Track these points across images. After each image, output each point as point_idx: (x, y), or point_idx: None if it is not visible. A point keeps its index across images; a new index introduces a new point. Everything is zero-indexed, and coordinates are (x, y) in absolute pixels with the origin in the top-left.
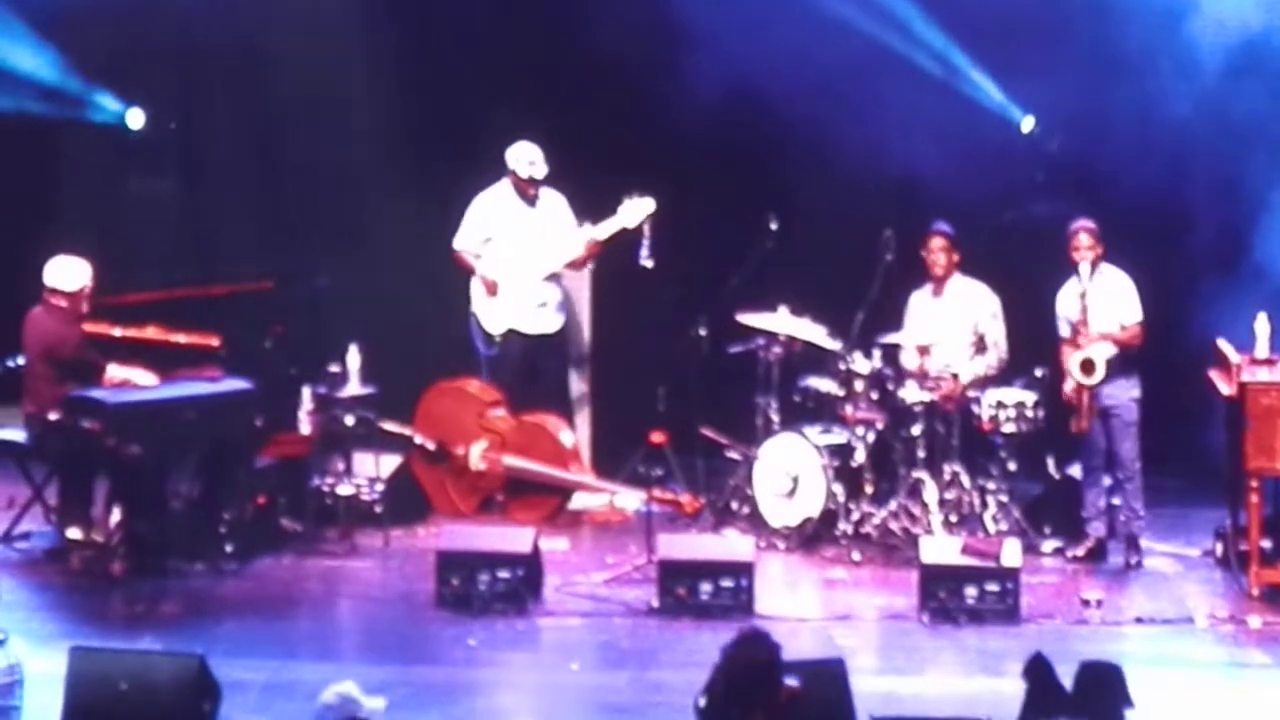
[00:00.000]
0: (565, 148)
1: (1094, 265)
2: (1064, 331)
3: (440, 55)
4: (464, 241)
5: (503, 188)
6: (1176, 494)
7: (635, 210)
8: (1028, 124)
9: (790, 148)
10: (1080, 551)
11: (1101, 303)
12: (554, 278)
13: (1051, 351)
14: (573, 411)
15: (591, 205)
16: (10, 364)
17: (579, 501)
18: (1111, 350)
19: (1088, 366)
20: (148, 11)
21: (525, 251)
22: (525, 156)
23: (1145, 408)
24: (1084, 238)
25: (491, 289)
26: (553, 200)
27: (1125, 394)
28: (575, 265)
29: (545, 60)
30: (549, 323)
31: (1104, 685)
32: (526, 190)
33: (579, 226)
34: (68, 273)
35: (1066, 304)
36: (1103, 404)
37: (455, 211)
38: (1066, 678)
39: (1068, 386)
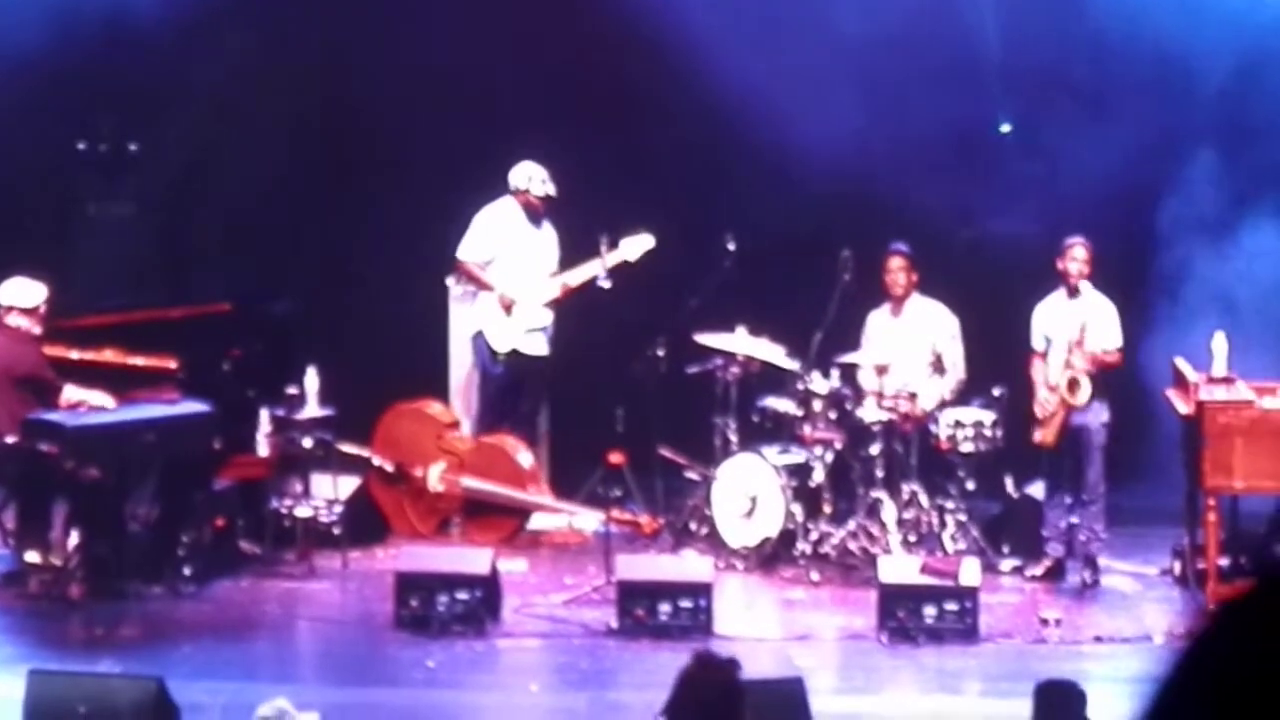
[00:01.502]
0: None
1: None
2: (1039, 345)
3: (400, 78)
4: (470, 253)
5: (507, 206)
6: (1134, 513)
7: (636, 246)
8: (1006, 126)
9: (748, 168)
10: (1039, 570)
11: (1092, 323)
12: (553, 302)
13: (1018, 366)
14: (540, 433)
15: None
16: None
17: (537, 522)
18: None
19: (1074, 385)
20: (105, 36)
21: (533, 273)
22: (536, 175)
23: (1111, 430)
24: (1080, 251)
25: (509, 308)
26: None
27: (1096, 418)
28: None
29: (503, 83)
30: (543, 345)
31: (1063, 704)
32: (536, 209)
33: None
34: (25, 290)
35: (1050, 319)
36: (1074, 425)
37: (416, 233)
38: (1024, 696)
39: (1042, 397)
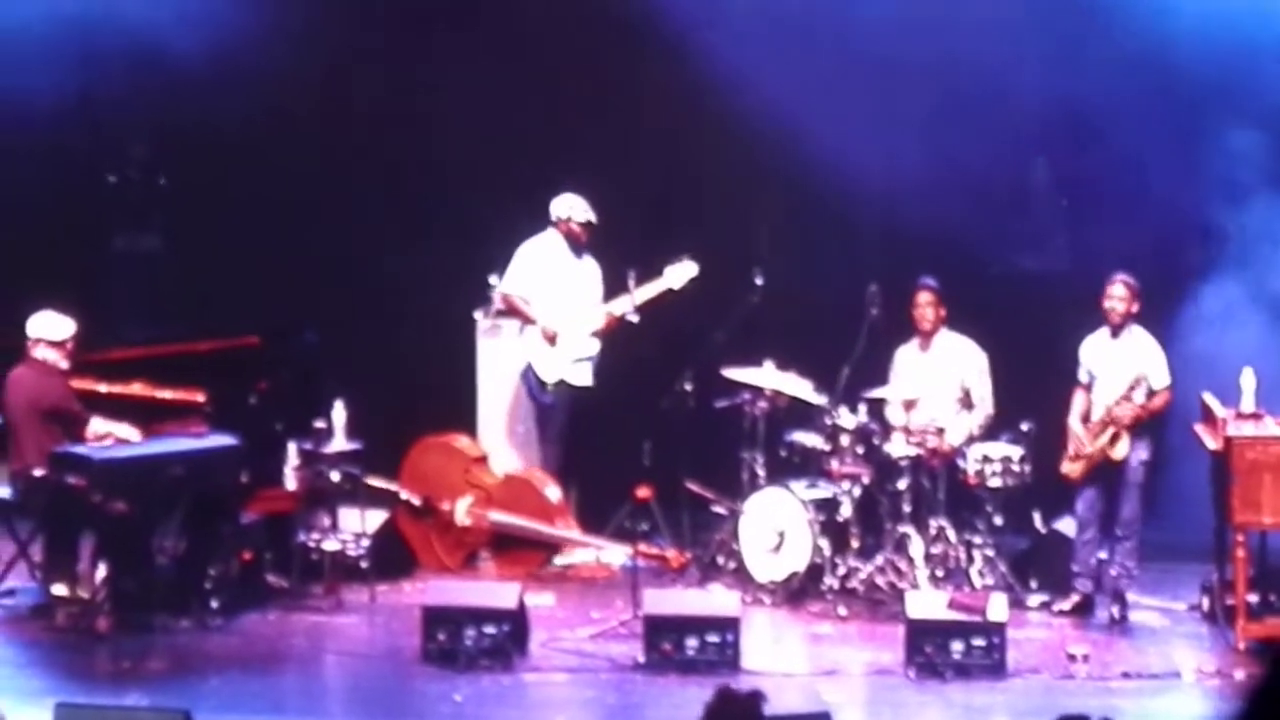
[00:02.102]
0: (543, 203)
1: (1126, 322)
2: (1083, 378)
3: (429, 111)
4: (513, 286)
5: (550, 238)
6: (1163, 548)
7: (680, 274)
8: (1039, 159)
9: (776, 202)
10: (1066, 606)
11: (1138, 363)
12: (599, 331)
13: (1046, 401)
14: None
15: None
16: None
17: (565, 557)
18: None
19: (1116, 439)
20: (135, 70)
21: (577, 304)
22: (578, 204)
23: (1150, 469)
24: (1119, 289)
25: (552, 340)
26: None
27: (1136, 456)
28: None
29: (533, 116)
30: (588, 376)
31: None
32: (579, 239)
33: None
34: (54, 323)
35: (1094, 356)
36: (1113, 462)
37: (444, 266)
38: None
39: (1075, 429)
